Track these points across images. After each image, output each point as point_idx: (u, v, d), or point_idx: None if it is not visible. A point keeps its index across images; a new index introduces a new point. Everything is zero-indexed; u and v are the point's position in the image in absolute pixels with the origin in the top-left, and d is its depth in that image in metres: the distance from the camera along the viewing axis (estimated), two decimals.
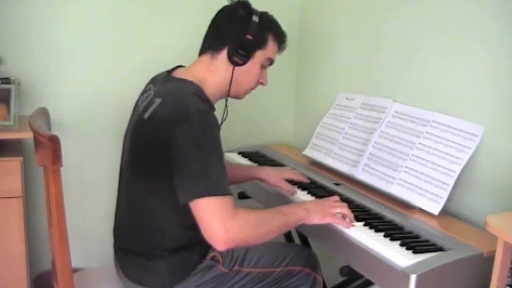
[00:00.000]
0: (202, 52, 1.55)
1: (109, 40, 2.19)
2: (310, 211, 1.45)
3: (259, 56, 1.54)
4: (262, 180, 1.79)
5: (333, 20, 2.24)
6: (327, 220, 1.47)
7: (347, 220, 1.48)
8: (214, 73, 1.52)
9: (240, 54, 1.50)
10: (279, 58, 2.43)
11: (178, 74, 1.52)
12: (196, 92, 1.41)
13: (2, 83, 1.92)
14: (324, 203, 1.51)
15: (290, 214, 1.42)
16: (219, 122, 1.45)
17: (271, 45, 1.57)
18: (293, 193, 1.73)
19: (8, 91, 1.93)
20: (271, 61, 1.60)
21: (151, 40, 2.25)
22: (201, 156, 1.30)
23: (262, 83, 1.63)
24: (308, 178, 1.87)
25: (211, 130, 1.34)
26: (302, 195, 1.71)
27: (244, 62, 1.52)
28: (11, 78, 1.94)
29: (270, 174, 1.77)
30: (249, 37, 1.49)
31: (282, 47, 1.61)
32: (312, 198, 1.69)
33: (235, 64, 1.51)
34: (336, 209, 1.48)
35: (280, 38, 1.60)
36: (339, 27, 2.19)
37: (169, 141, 1.31)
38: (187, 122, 1.31)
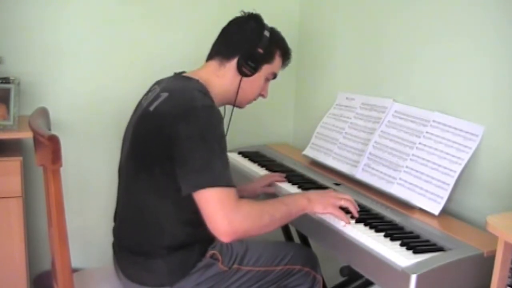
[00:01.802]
0: (210, 57, 1.60)
1: (109, 40, 2.19)
2: (312, 200, 1.46)
3: (265, 69, 1.61)
4: (244, 196, 1.80)
5: (333, 20, 2.24)
6: (328, 211, 1.46)
7: (349, 215, 1.47)
8: (220, 78, 1.56)
9: (249, 66, 1.56)
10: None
11: (184, 75, 1.56)
12: (202, 89, 1.45)
13: (2, 82, 1.92)
14: (328, 194, 1.51)
15: (292, 204, 1.43)
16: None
17: (277, 60, 1.64)
18: (272, 191, 1.78)
19: (7, 91, 1.92)
20: (274, 75, 1.67)
21: (151, 40, 2.24)
22: (205, 148, 1.31)
23: (263, 95, 1.69)
24: (308, 178, 1.87)
25: (216, 124, 1.37)
26: None
27: (252, 74, 1.58)
28: (11, 78, 1.94)
29: (248, 189, 1.82)
30: (260, 50, 1.56)
31: (286, 63, 1.69)
32: None
33: (243, 74, 1.57)
34: (340, 201, 1.48)
35: (286, 55, 1.68)
36: (339, 27, 2.19)
37: (173, 134, 1.33)
38: (192, 116, 1.34)
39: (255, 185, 1.83)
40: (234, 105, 1.63)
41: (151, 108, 1.43)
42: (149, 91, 1.57)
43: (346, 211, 1.48)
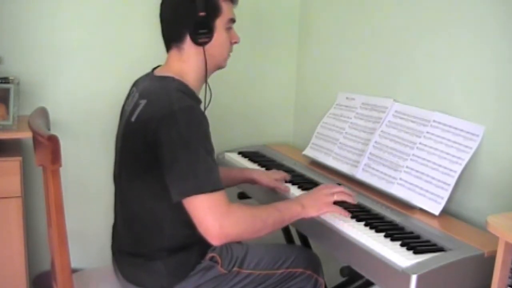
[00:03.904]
0: (167, 47, 1.53)
1: (109, 40, 2.18)
2: (306, 205, 1.46)
3: (219, 24, 1.50)
4: (254, 181, 1.80)
5: (334, 20, 2.23)
6: (323, 211, 1.47)
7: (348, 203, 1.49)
8: (187, 62, 1.50)
9: (203, 34, 1.47)
10: (279, 58, 2.42)
11: (158, 73, 1.52)
12: (179, 87, 1.42)
13: (1, 82, 1.92)
14: (319, 193, 1.51)
15: (285, 210, 1.43)
16: (206, 102, 1.47)
17: (225, 7, 1.51)
18: (287, 191, 1.73)
19: (7, 90, 1.92)
20: (233, 20, 1.55)
21: (151, 40, 2.23)
22: (187, 154, 1.30)
23: (236, 43, 1.58)
24: (308, 178, 1.87)
25: (197, 126, 1.34)
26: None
27: (211, 38, 1.49)
28: (10, 78, 1.93)
29: (262, 176, 1.80)
30: (201, 14, 1.45)
31: (235, 2, 1.56)
32: None
33: (203, 44, 1.48)
34: (332, 197, 1.48)
35: None
36: (340, 27, 2.19)
37: (156, 140, 1.31)
38: (172, 120, 1.31)
39: (268, 178, 1.78)
40: (207, 75, 1.54)
41: (133, 119, 1.41)
42: (129, 94, 1.55)
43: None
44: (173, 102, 1.34)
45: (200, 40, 1.47)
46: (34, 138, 1.41)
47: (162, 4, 1.52)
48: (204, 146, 1.33)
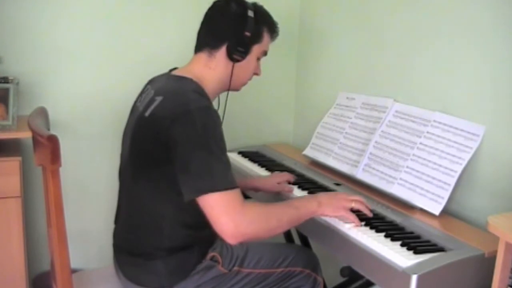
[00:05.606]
0: (198, 49, 1.55)
1: (109, 40, 2.18)
2: (323, 203, 1.44)
3: (256, 50, 1.56)
4: (258, 189, 1.81)
5: (334, 20, 2.23)
6: (339, 213, 1.46)
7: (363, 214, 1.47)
8: (213, 70, 1.53)
9: (239, 51, 1.52)
10: (279, 58, 2.42)
11: (176, 73, 1.53)
12: (197, 89, 1.43)
13: (1, 82, 1.92)
14: (338, 196, 1.50)
15: (301, 207, 1.42)
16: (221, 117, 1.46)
17: (266, 37, 1.59)
18: (290, 191, 1.73)
19: (6, 90, 1.92)
20: (265, 53, 1.62)
21: (150, 40, 2.24)
22: (203, 152, 1.30)
23: (257, 74, 1.64)
24: (308, 178, 1.87)
25: (213, 126, 1.34)
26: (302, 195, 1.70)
27: (243, 58, 1.54)
28: (10, 78, 1.93)
29: (265, 184, 1.80)
30: (247, 33, 1.51)
31: (274, 37, 1.63)
32: None
33: (234, 61, 1.52)
34: (351, 204, 1.47)
35: (273, 29, 1.61)
36: (340, 27, 2.19)
37: (170, 138, 1.31)
38: (188, 119, 1.32)
39: (271, 183, 1.79)
40: (228, 90, 1.60)
41: (147, 114, 1.41)
42: (143, 91, 1.55)
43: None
44: (190, 102, 1.35)
45: (234, 56, 1.51)
46: (34, 138, 1.41)
47: (213, 8, 1.55)
48: (219, 145, 1.34)
